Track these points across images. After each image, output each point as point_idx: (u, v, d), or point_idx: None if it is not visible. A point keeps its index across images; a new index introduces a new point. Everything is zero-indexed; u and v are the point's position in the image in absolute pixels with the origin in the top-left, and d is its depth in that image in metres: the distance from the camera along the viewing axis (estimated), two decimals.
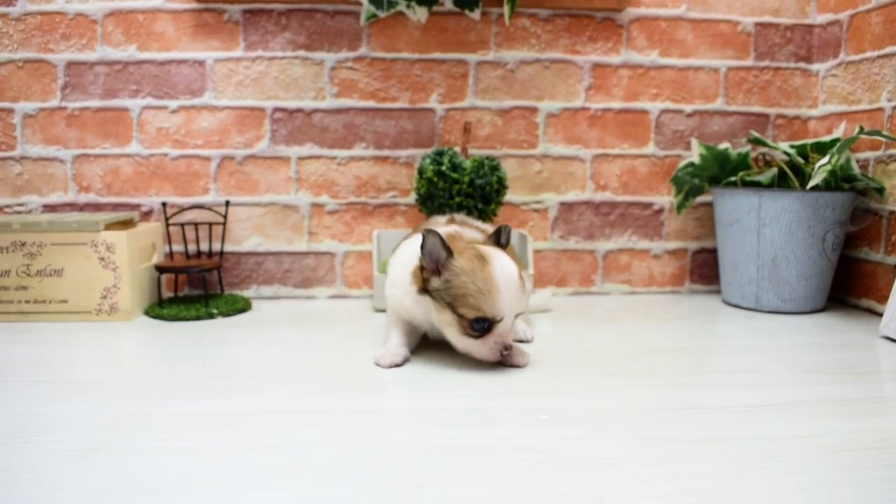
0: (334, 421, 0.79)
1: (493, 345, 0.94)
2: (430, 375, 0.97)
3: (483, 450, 0.71)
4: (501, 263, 0.93)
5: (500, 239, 1.01)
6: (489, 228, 1.14)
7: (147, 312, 1.34)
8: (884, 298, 1.33)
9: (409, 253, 1.02)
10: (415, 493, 0.61)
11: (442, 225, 1.12)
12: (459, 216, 1.21)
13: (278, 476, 0.65)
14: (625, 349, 1.12)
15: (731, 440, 0.74)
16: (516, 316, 0.95)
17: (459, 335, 0.95)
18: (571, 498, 0.60)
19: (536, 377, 0.96)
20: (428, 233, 0.92)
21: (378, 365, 1.00)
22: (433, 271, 0.95)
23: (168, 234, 1.44)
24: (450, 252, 0.94)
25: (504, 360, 0.97)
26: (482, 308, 0.91)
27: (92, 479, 0.64)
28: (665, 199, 1.55)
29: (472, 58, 1.48)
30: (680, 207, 1.49)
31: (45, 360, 1.05)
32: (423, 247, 0.94)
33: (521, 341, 1.14)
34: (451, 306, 0.93)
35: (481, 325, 0.92)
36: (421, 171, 1.34)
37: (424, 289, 0.97)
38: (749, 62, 1.54)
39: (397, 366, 1.00)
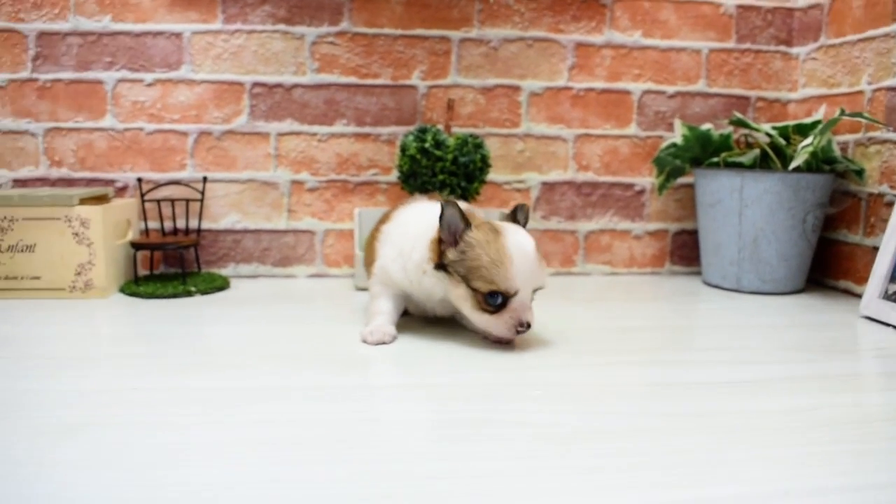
0: (325, 396, 0.77)
1: (508, 319, 0.91)
2: (416, 352, 0.95)
3: (480, 424, 0.70)
4: (517, 236, 0.91)
5: (516, 217, 0.99)
6: (474, 210, 1.12)
7: (122, 290, 1.31)
8: (862, 279, 1.35)
9: (422, 224, 0.99)
10: (416, 466, 0.60)
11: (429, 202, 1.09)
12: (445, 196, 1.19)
13: (271, 451, 0.63)
14: (608, 328, 1.12)
15: (720, 414, 0.74)
16: (534, 291, 0.93)
17: (474, 310, 0.92)
18: (571, 471, 0.60)
19: (522, 354, 0.95)
20: (447, 203, 0.91)
21: (365, 342, 0.98)
22: (450, 243, 0.93)
23: (143, 211, 1.41)
24: (468, 223, 0.92)
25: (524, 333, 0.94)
26: (495, 281, 0.89)
27: (79, 453, 0.61)
28: (646, 179, 1.55)
29: (455, 35, 1.46)
30: (661, 188, 1.49)
31: (20, 336, 1.01)
32: (441, 217, 0.92)
33: None
34: (466, 279, 0.91)
35: (495, 300, 0.90)
36: (404, 149, 1.33)
37: (441, 262, 0.94)
38: (731, 44, 1.54)
39: (384, 344, 0.98)
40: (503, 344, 0.97)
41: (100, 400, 0.76)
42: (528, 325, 0.91)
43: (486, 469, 0.60)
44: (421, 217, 1.01)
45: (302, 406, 0.75)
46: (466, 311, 0.94)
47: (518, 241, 0.91)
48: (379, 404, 0.76)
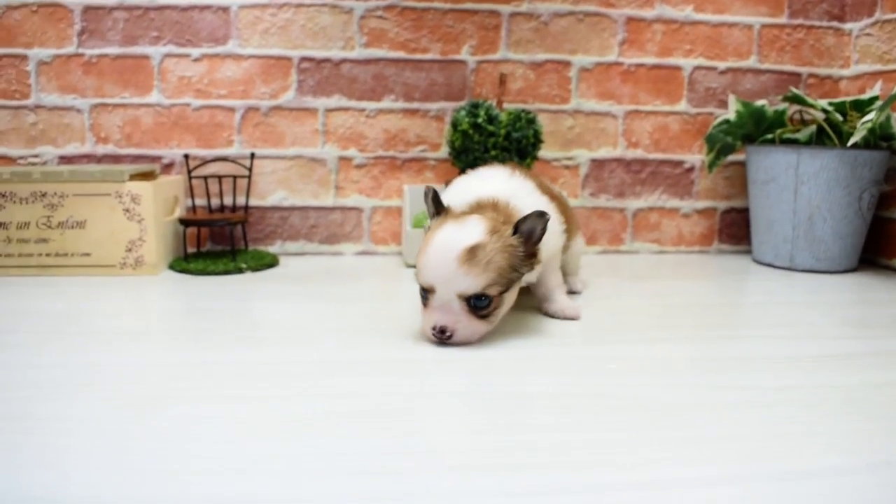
0: (390, 369, 0.76)
1: (427, 319, 0.83)
2: None
3: (557, 396, 0.69)
4: (451, 231, 0.82)
5: (519, 225, 0.84)
6: (549, 184, 1.08)
7: (172, 267, 1.30)
8: None
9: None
10: (501, 437, 0.59)
11: (498, 179, 0.97)
12: (521, 168, 1.05)
13: (347, 422, 0.62)
14: (665, 305, 1.10)
15: (804, 388, 0.72)
16: (467, 299, 0.81)
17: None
18: (665, 443, 0.59)
19: (578, 328, 0.94)
20: (428, 189, 0.87)
21: None
22: None
23: (191, 188, 1.40)
24: (439, 210, 0.87)
25: (445, 342, 0.84)
26: (416, 271, 0.84)
27: (162, 426, 0.61)
28: (696, 157, 1.53)
29: (504, 9, 1.44)
30: (711, 166, 1.47)
31: (75, 312, 1.00)
32: (425, 202, 0.89)
33: (573, 292, 1.13)
34: None
35: (423, 294, 0.84)
36: (455, 124, 1.31)
37: None
38: (783, 20, 1.51)
39: None
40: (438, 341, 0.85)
41: (171, 374, 0.75)
42: (443, 332, 0.82)
43: (573, 441, 0.58)
44: (455, 189, 0.96)
45: (369, 379, 0.74)
46: None
47: (445, 236, 0.81)
48: (451, 376, 0.75)
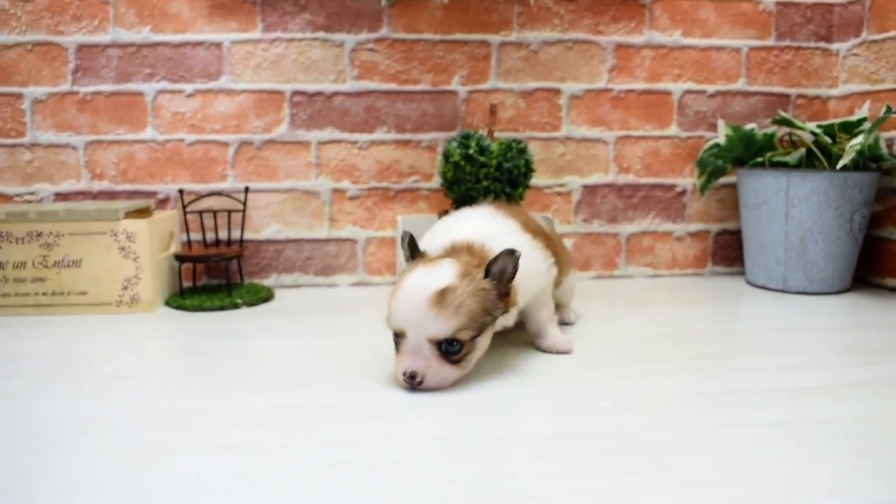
0: (391, 414, 0.77)
1: (399, 364, 0.82)
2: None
3: (553, 439, 0.69)
4: (420, 274, 0.81)
5: (491, 264, 0.83)
6: (538, 222, 1.08)
7: (168, 303, 1.31)
8: None
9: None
10: (504, 487, 0.60)
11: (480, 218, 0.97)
12: (508, 207, 1.06)
13: (338, 473, 0.62)
14: (660, 333, 1.11)
15: (797, 423, 0.73)
16: (438, 344, 0.80)
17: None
18: (660, 488, 0.59)
19: (572, 362, 0.95)
20: (405, 234, 0.87)
21: None
22: None
23: (185, 223, 1.40)
24: (414, 255, 0.87)
25: (416, 387, 0.82)
26: (386, 316, 0.83)
27: (158, 480, 0.61)
28: (687, 180, 1.54)
29: (494, 38, 1.45)
30: (703, 189, 1.48)
31: (72, 354, 1.01)
32: (401, 245, 0.89)
33: (566, 323, 1.13)
34: None
35: (394, 339, 0.83)
36: (447, 155, 1.32)
37: None
38: (770, 42, 1.53)
39: None
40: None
41: (168, 421, 0.75)
42: (414, 377, 0.80)
43: (574, 490, 0.59)
44: (434, 232, 0.96)
45: (371, 424, 0.74)
46: None
47: (415, 280, 0.81)
48: (449, 419, 0.75)
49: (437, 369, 0.81)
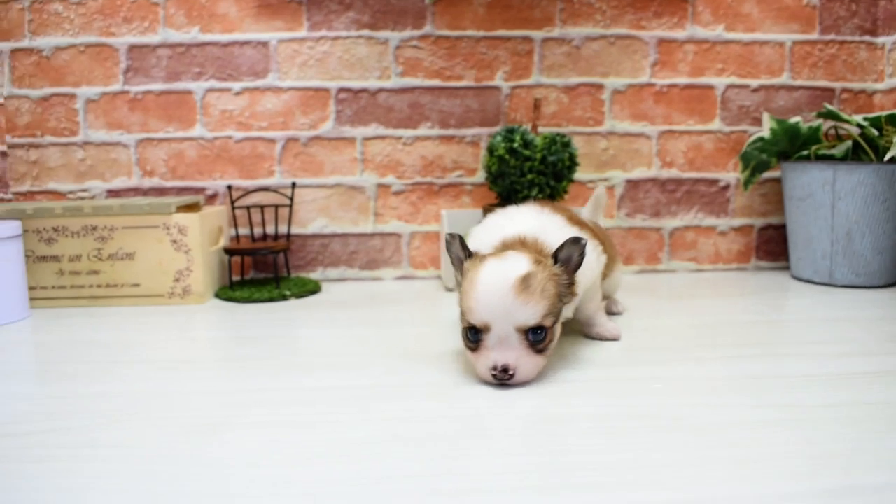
0: (445, 393, 0.78)
1: (484, 360, 0.79)
2: None
3: (606, 418, 0.70)
4: (496, 265, 0.79)
5: (558, 254, 0.83)
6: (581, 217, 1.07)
7: (218, 295, 1.34)
8: None
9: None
10: (549, 459, 0.61)
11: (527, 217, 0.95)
12: (552, 203, 1.05)
13: (402, 445, 0.64)
14: (705, 323, 1.10)
15: (849, 405, 0.73)
16: (526, 332, 0.78)
17: (465, 348, 0.83)
18: (712, 462, 0.59)
19: (622, 350, 0.95)
20: (450, 236, 0.85)
21: None
22: (459, 276, 0.86)
23: (234, 217, 1.43)
24: (468, 254, 0.84)
25: (507, 382, 0.80)
26: (464, 312, 0.80)
27: (225, 452, 0.63)
28: (731, 175, 1.54)
29: (537, 34, 1.46)
30: (747, 183, 1.47)
31: (128, 342, 1.04)
32: (448, 251, 0.86)
33: (613, 314, 1.14)
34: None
35: (472, 335, 0.80)
36: (492, 149, 1.33)
37: None
38: (814, 36, 1.52)
39: None
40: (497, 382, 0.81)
41: (224, 401, 0.77)
42: (506, 370, 0.78)
43: (630, 463, 0.60)
44: (481, 231, 0.95)
45: (424, 403, 0.76)
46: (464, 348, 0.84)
47: (492, 271, 0.78)
48: (503, 399, 0.76)
49: (527, 360, 0.79)
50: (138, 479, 0.58)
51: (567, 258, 0.83)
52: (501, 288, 0.77)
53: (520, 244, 0.86)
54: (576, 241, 0.82)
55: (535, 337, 0.78)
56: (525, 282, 0.77)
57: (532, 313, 0.77)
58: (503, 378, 0.78)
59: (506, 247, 0.86)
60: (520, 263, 0.79)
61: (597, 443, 0.64)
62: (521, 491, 0.55)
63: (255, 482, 0.57)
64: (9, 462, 0.61)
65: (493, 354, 0.78)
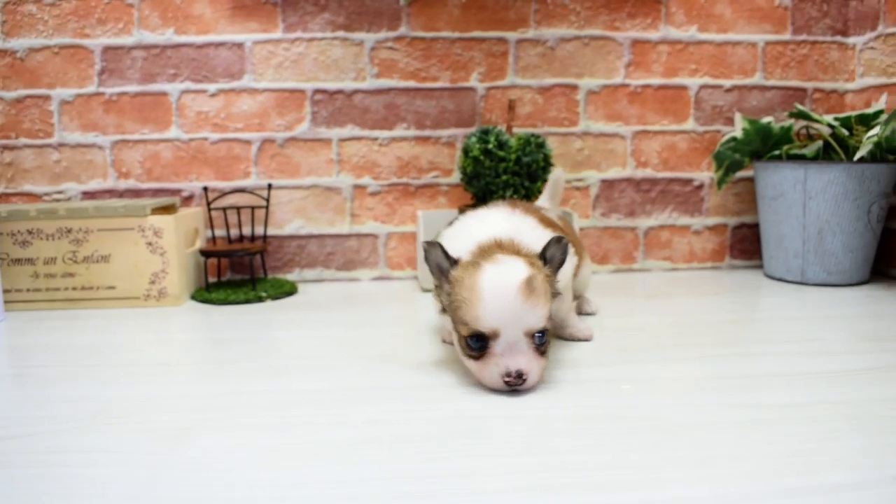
0: (420, 396, 0.79)
1: (494, 367, 0.77)
2: None
3: (579, 419, 0.71)
4: (497, 269, 0.78)
5: (544, 254, 0.83)
6: (551, 216, 1.07)
7: (194, 297, 1.34)
8: None
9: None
10: (532, 461, 0.61)
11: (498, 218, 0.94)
12: (522, 204, 1.04)
13: (378, 449, 0.64)
14: (679, 322, 1.12)
15: (816, 404, 0.74)
16: (533, 336, 0.77)
17: (464, 357, 0.80)
18: (679, 462, 0.61)
19: (594, 350, 0.96)
20: (428, 244, 0.82)
21: None
22: (442, 285, 0.84)
23: (210, 219, 1.43)
24: (453, 261, 0.82)
25: (518, 388, 0.78)
26: (467, 320, 0.77)
27: (195, 456, 0.63)
28: (705, 174, 1.55)
29: (511, 36, 1.47)
30: (720, 183, 1.49)
31: (104, 344, 1.04)
32: (426, 260, 0.84)
33: (586, 314, 1.15)
34: (454, 323, 0.81)
35: (476, 343, 0.77)
36: (467, 150, 1.34)
37: (442, 307, 0.85)
38: (786, 36, 1.54)
39: None
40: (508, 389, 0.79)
41: (199, 404, 0.77)
42: (520, 376, 0.76)
43: (603, 463, 0.60)
44: (453, 236, 0.92)
45: (401, 405, 0.76)
46: (462, 358, 0.82)
47: (495, 275, 0.77)
48: (474, 401, 0.77)
49: (536, 364, 0.78)
50: (115, 482, 0.58)
51: (552, 258, 0.83)
52: (509, 293, 0.75)
53: (497, 247, 0.85)
54: (559, 241, 0.82)
55: (541, 339, 0.78)
56: (529, 285, 0.76)
57: (540, 316, 0.77)
58: (517, 384, 0.77)
59: (483, 250, 0.84)
60: (518, 267, 0.78)
61: (569, 443, 0.65)
62: (497, 494, 0.56)
63: (232, 485, 0.57)
64: None
65: (503, 361, 0.76)
